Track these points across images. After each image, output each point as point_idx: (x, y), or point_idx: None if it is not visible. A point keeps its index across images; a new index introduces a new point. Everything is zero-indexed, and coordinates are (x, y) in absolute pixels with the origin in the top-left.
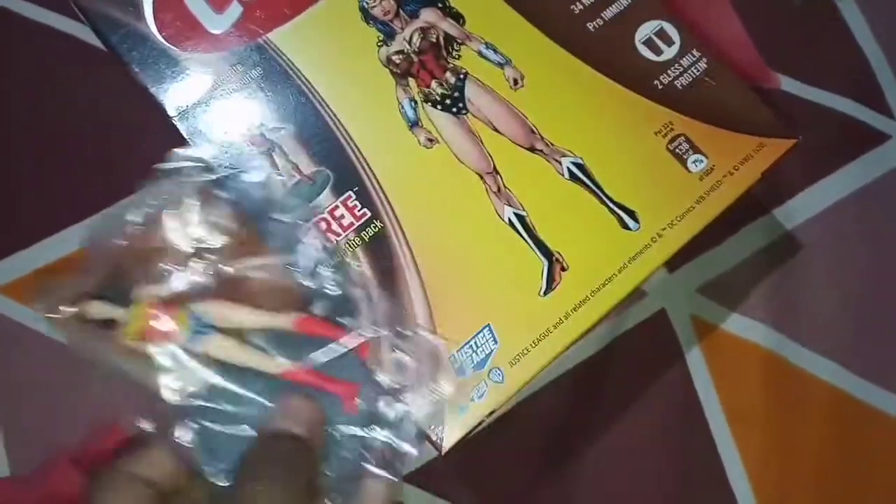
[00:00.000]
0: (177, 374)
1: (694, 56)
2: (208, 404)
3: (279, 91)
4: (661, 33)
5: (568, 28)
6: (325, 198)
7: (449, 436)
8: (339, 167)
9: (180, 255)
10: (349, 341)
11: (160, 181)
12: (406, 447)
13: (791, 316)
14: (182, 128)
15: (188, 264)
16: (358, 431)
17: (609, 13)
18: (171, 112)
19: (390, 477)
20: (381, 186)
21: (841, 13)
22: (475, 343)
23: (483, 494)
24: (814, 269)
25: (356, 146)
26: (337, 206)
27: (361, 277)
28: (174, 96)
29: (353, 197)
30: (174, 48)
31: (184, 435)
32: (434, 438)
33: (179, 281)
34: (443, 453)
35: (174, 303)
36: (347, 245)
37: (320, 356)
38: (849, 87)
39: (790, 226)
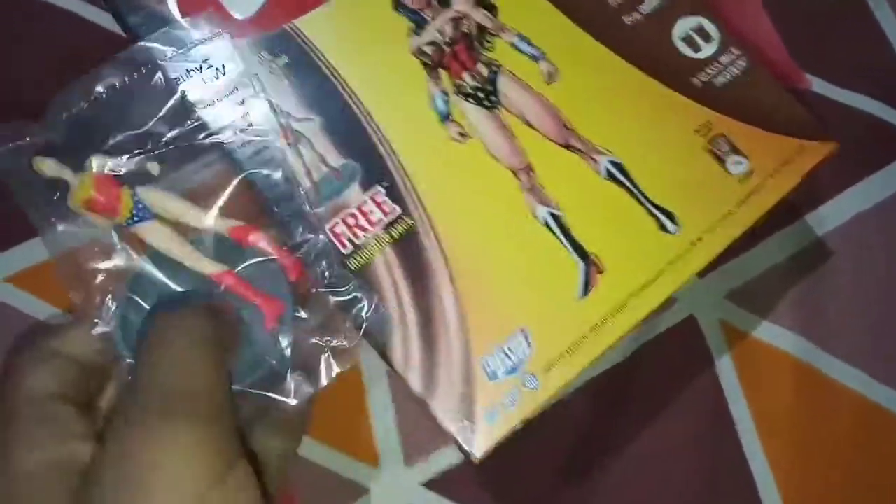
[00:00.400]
0: (110, 254)
1: (733, 54)
2: (133, 295)
3: (306, 81)
4: (700, 30)
5: (604, 22)
6: (353, 192)
7: (481, 443)
8: (368, 161)
9: (142, 135)
10: (283, 258)
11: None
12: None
13: (820, 324)
14: (206, 117)
15: (147, 145)
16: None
17: (646, 7)
18: (194, 100)
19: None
20: (411, 181)
21: (872, 12)
22: (509, 347)
23: (507, 501)
24: (843, 277)
25: (386, 139)
26: (365, 202)
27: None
28: (195, 87)
29: (383, 192)
30: (197, 34)
31: (106, 319)
32: (465, 446)
33: (133, 160)
34: (476, 461)
35: (121, 181)
36: (376, 242)
37: (250, 266)
38: (879, 88)
39: (820, 232)
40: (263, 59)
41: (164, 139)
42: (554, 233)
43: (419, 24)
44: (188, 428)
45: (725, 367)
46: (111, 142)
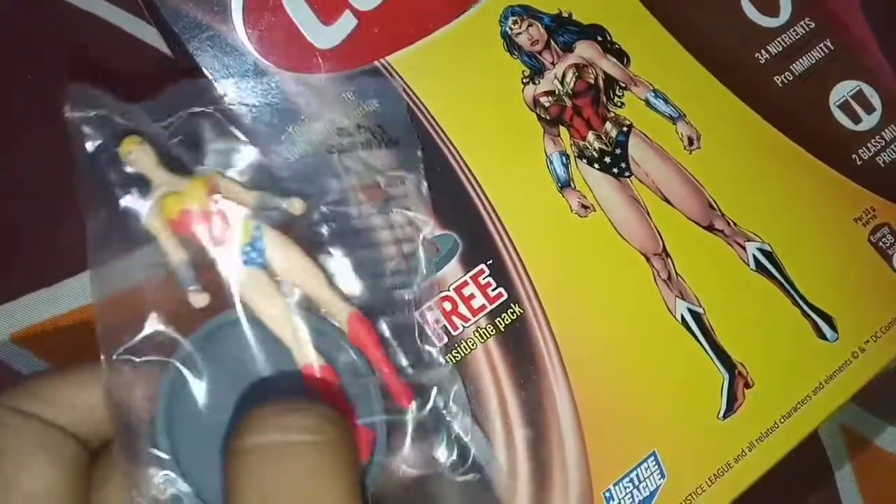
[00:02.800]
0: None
1: None
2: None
3: (399, 131)
4: (860, 96)
5: (752, 80)
6: (452, 270)
7: None
8: (471, 233)
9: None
10: (394, 380)
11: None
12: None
13: None
14: (272, 162)
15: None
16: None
17: (799, 67)
18: (259, 146)
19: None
20: (521, 261)
21: None
22: (637, 475)
23: None
24: None
25: (492, 208)
26: (466, 283)
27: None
28: (262, 126)
29: (487, 272)
30: (268, 63)
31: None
32: None
33: (267, 192)
34: None
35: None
36: (477, 334)
37: (351, 374)
38: None
39: None
40: (348, 101)
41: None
42: (693, 335)
43: (536, 70)
44: None
45: (846, 479)
46: (239, 167)
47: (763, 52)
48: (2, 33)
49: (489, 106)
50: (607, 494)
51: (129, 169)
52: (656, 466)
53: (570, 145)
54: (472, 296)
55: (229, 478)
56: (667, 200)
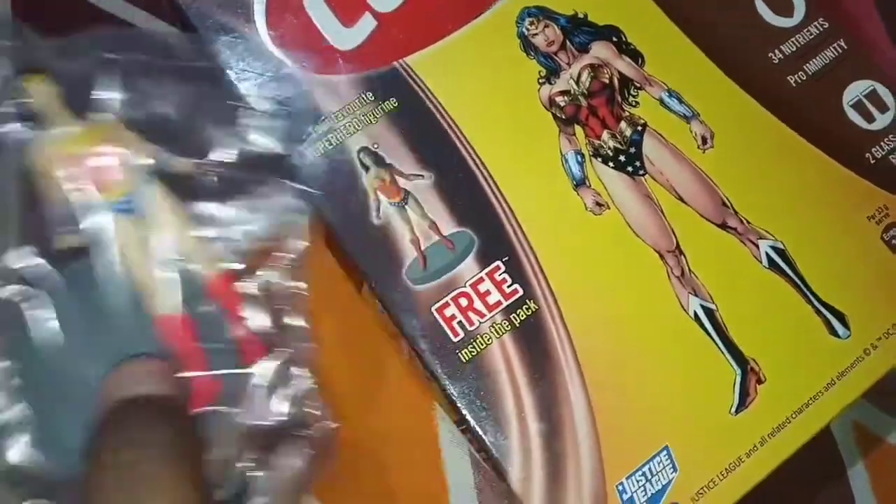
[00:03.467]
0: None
1: None
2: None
3: (417, 130)
4: (873, 96)
5: (766, 80)
6: (468, 267)
7: None
8: (487, 230)
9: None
10: (247, 339)
11: None
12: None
13: None
14: (293, 159)
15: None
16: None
17: (812, 66)
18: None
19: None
20: (536, 258)
21: None
22: (650, 469)
23: None
24: None
25: (508, 205)
26: (482, 279)
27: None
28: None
29: (503, 269)
30: (289, 64)
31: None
32: None
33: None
34: None
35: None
36: (493, 329)
37: (209, 329)
38: None
39: None
40: (366, 101)
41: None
42: (706, 331)
43: (552, 70)
44: None
45: (859, 477)
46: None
47: (777, 51)
48: None
49: (506, 106)
50: (620, 488)
51: (29, 102)
52: (669, 460)
53: (586, 144)
54: (487, 292)
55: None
56: (680, 198)
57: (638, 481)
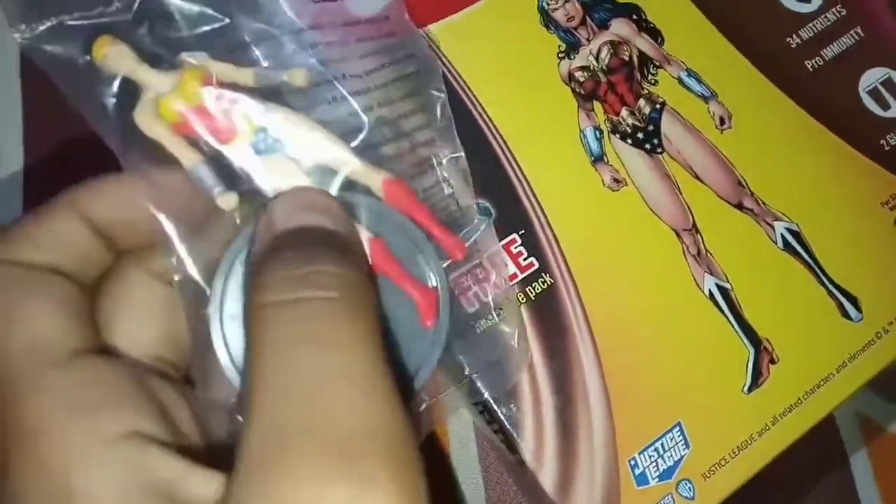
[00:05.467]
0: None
1: None
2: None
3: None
4: (889, 83)
5: (784, 64)
6: (485, 239)
7: None
8: (504, 202)
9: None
10: (445, 236)
11: None
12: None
13: None
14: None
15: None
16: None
17: (830, 52)
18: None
19: None
20: (553, 232)
21: None
22: (662, 445)
23: None
24: None
25: (525, 178)
26: (498, 252)
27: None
28: (302, 93)
29: (519, 241)
30: (309, 30)
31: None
32: None
33: (257, 66)
34: None
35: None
36: (507, 301)
37: (396, 240)
38: None
39: None
40: (385, 66)
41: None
42: (721, 310)
43: (571, 45)
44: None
45: (861, 466)
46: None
47: (795, 36)
48: None
49: (525, 79)
50: (632, 462)
51: (110, 74)
52: (681, 437)
53: (604, 120)
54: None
55: (248, 332)
56: (697, 177)
57: (650, 457)
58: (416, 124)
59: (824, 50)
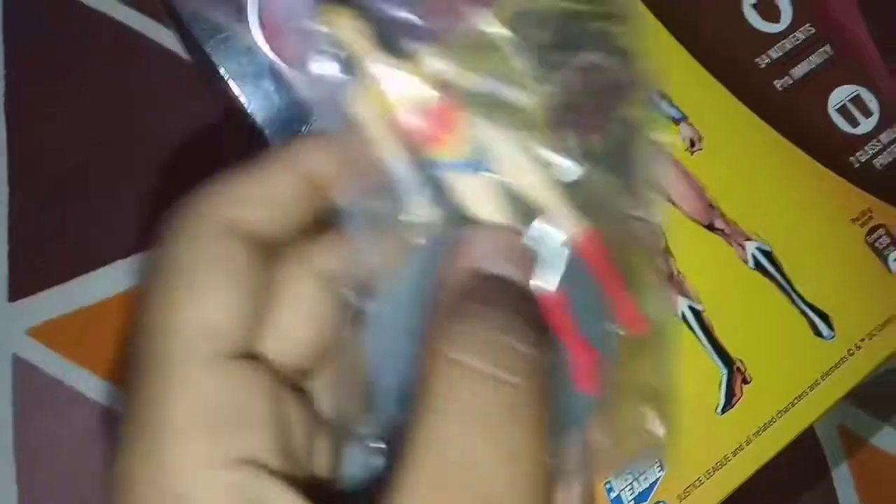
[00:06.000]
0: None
1: (895, 131)
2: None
3: None
4: (858, 101)
5: (754, 84)
6: None
7: None
8: None
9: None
10: (623, 300)
11: None
12: None
13: None
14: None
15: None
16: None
17: (799, 71)
18: (274, 143)
19: None
20: None
21: None
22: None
23: None
24: None
25: None
26: None
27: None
28: (279, 124)
29: None
30: (282, 62)
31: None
32: None
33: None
34: None
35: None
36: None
37: (576, 287)
38: None
39: None
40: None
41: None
42: (693, 331)
43: None
44: None
45: (843, 479)
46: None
47: (764, 56)
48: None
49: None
50: (608, 486)
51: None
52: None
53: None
54: None
55: (427, 376)
56: (668, 200)
57: (625, 479)
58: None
59: (793, 69)
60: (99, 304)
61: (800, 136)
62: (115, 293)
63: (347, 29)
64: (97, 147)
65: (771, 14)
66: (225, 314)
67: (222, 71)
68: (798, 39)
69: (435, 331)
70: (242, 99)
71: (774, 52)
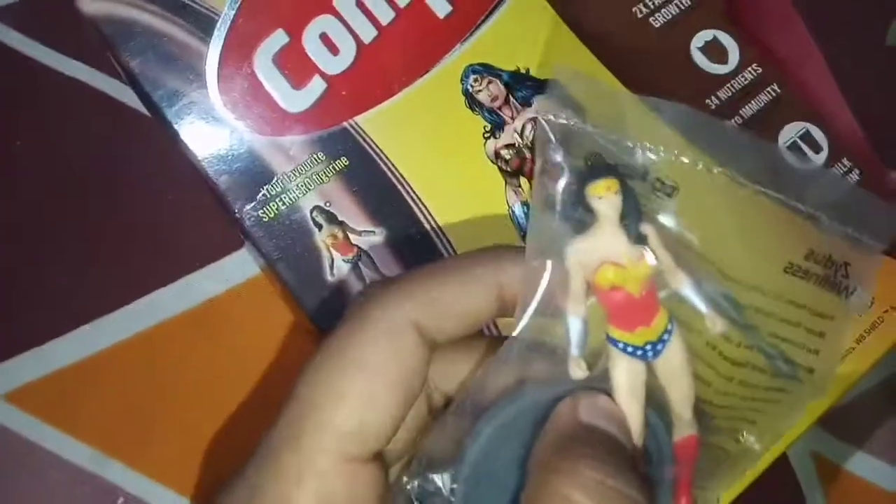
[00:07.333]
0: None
1: (844, 165)
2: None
3: (368, 187)
4: (807, 137)
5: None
6: None
7: None
8: None
9: None
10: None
11: None
12: None
13: None
14: (246, 222)
15: None
16: None
17: (748, 111)
18: (234, 206)
19: None
20: None
21: None
22: None
23: None
24: None
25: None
26: None
27: None
28: (238, 187)
29: None
30: (242, 127)
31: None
32: None
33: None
34: None
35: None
36: None
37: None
38: None
39: None
40: (318, 161)
41: None
42: None
43: (496, 125)
44: None
45: None
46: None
47: (713, 98)
48: None
49: (453, 160)
50: None
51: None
52: None
53: (531, 196)
54: None
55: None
56: None
57: None
58: None
59: (743, 109)
60: (75, 364)
61: (752, 176)
62: (90, 354)
63: (610, 200)
64: (67, 202)
65: (718, 56)
66: (380, 416)
67: (182, 136)
68: (746, 80)
69: (545, 464)
70: (202, 161)
71: (723, 93)
